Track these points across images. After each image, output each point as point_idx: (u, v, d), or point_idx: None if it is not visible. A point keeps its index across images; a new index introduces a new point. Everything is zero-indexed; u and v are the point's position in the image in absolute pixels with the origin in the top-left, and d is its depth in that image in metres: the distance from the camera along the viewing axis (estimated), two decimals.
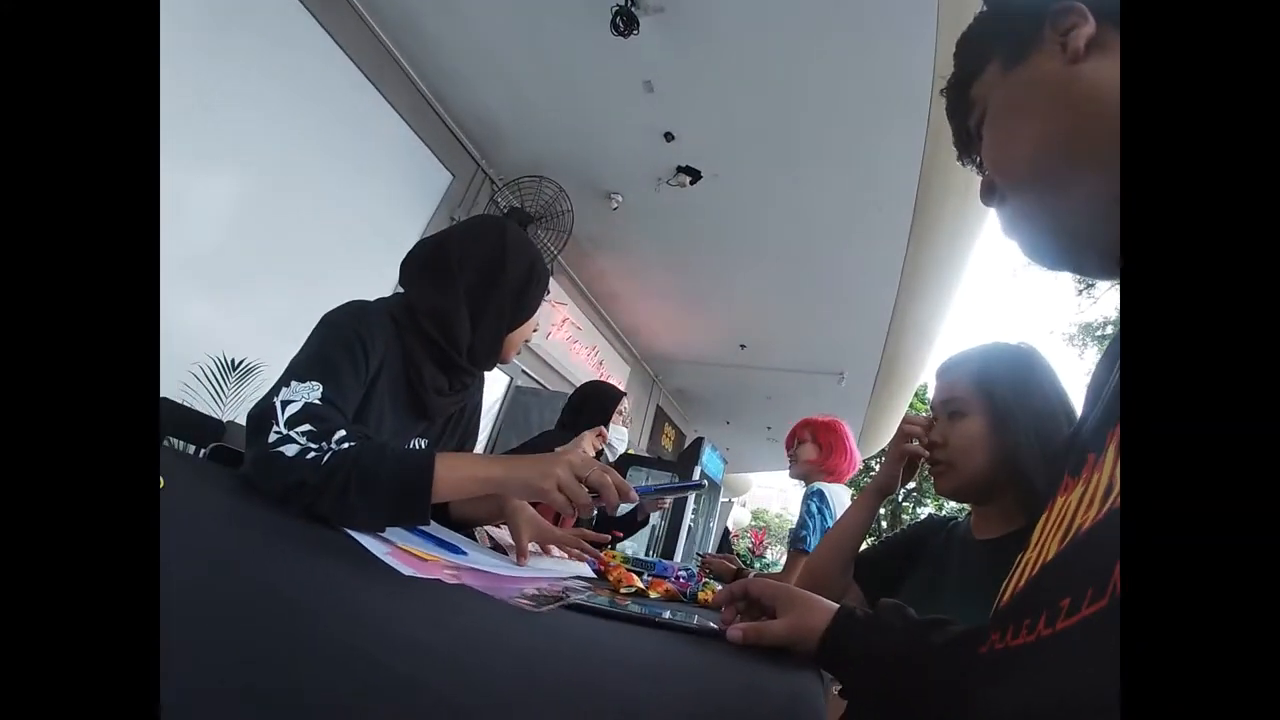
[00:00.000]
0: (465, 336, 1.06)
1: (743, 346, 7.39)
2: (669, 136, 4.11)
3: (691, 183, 4.43)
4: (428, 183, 4.65)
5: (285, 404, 0.80)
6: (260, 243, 3.56)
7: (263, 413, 0.80)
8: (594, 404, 2.41)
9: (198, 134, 3.12)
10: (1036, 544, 0.43)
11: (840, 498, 2.23)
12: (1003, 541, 1.01)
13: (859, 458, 2.39)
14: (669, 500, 2.80)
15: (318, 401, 0.82)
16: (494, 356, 1.14)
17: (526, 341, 1.19)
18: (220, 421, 2.77)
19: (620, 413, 2.41)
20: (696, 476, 5.40)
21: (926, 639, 0.61)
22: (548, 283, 1.19)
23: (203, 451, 2.57)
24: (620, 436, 2.39)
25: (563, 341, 6.57)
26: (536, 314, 1.18)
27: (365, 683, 0.30)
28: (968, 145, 0.58)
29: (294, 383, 0.84)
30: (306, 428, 0.78)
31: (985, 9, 0.56)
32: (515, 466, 0.86)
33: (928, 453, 1.12)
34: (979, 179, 0.57)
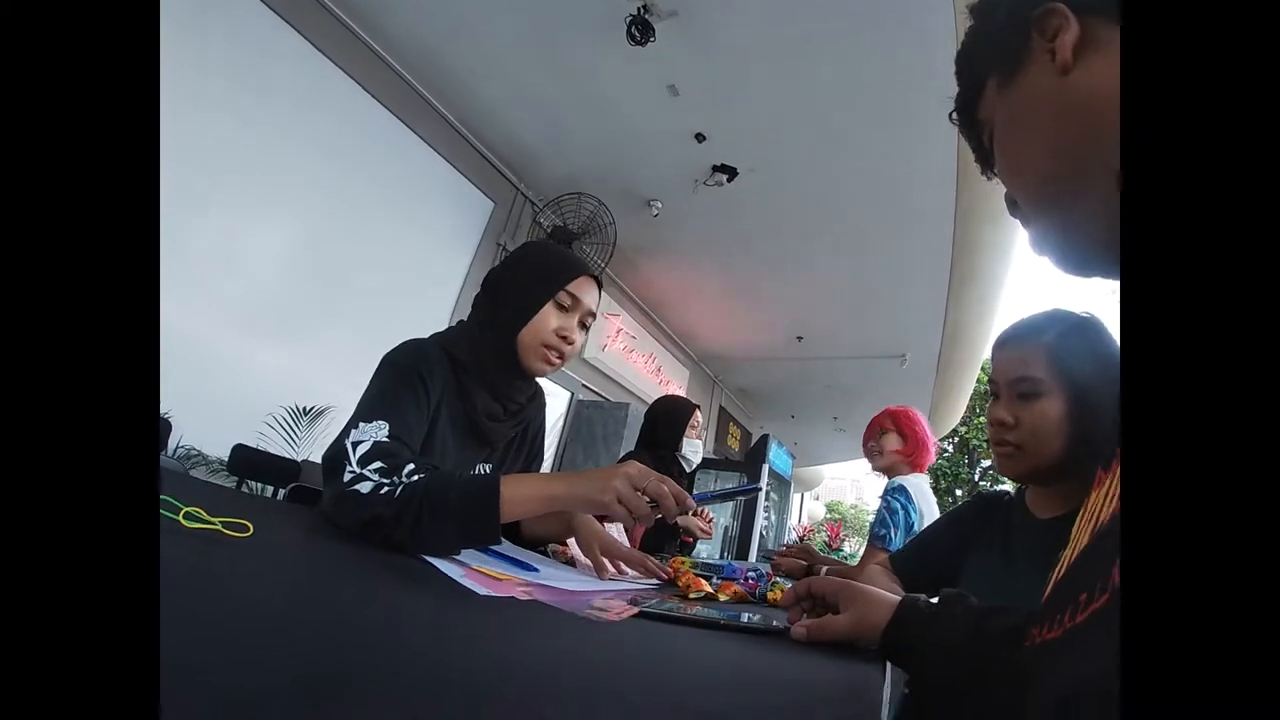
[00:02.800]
0: (479, 347, 1.09)
1: (799, 338, 7.30)
2: (700, 137, 4.12)
3: (728, 180, 4.43)
4: (471, 212, 4.79)
5: (356, 444, 0.86)
6: (319, 290, 3.74)
7: (336, 454, 0.86)
8: (667, 420, 2.43)
9: (246, 191, 3.32)
10: (1074, 539, 0.44)
11: (923, 489, 2.18)
12: (1067, 519, 0.98)
13: (933, 444, 2.34)
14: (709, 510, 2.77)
15: (385, 439, 0.87)
16: (512, 362, 1.11)
17: (566, 340, 1.12)
18: (296, 463, 2.93)
19: (694, 426, 2.42)
20: (764, 475, 5.37)
21: (985, 627, 0.60)
22: (560, 273, 1.13)
23: (281, 492, 2.72)
24: (695, 449, 2.40)
25: (619, 352, 6.63)
26: (551, 309, 1.11)
27: (448, 696, 0.33)
28: (987, 159, 0.57)
29: (362, 424, 0.89)
30: (378, 465, 0.83)
31: (973, 23, 0.54)
32: (575, 482, 0.89)
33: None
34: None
